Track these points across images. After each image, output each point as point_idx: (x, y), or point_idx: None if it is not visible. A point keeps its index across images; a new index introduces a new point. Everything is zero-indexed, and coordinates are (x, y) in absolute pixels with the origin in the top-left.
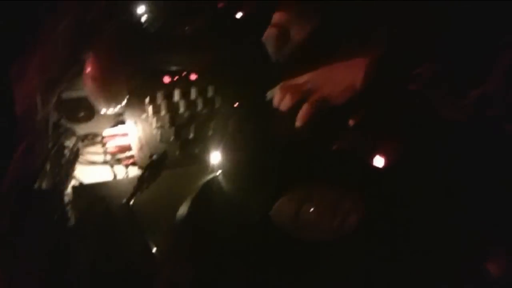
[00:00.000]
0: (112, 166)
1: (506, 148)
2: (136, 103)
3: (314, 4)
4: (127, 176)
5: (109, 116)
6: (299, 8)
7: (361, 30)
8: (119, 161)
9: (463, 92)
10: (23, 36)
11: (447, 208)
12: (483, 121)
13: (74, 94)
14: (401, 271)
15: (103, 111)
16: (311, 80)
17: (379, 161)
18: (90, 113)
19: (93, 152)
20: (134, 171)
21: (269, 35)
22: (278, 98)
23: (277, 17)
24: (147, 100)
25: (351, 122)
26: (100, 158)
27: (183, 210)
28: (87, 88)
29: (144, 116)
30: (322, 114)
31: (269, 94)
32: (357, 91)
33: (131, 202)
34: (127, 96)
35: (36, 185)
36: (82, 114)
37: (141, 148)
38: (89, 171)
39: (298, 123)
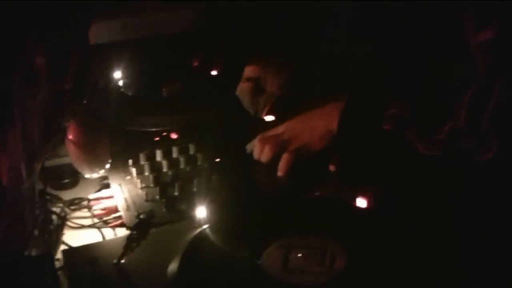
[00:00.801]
0: (99, 228)
1: (480, 176)
2: (119, 165)
3: (283, 57)
4: (116, 237)
5: (94, 180)
6: (269, 62)
7: (329, 80)
8: (106, 223)
9: (435, 128)
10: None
11: (432, 246)
12: (456, 153)
13: (58, 161)
14: None
15: (87, 176)
16: (288, 130)
17: (361, 203)
18: (75, 179)
19: (80, 217)
20: (122, 232)
21: (243, 89)
22: (258, 150)
23: (248, 71)
24: (130, 162)
25: (331, 168)
26: (88, 221)
27: (173, 266)
28: (70, 154)
29: (128, 177)
30: (302, 162)
31: (248, 147)
32: (334, 136)
33: (122, 261)
34: (110, 160)
35: (26, 253)
36: (67, 180)
37: (128, 209)
38: (78, 235)
39: (279, 173)
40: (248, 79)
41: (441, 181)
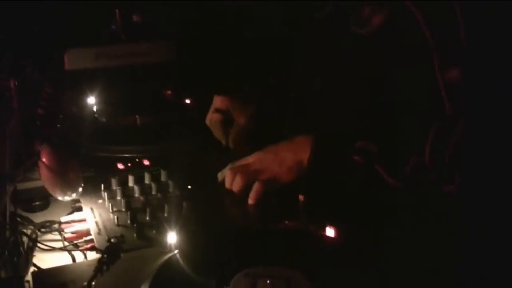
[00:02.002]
0: (70, 251)
1: (446, 207)
2: (91, 189)
3: (250, 90)
4: (86, 260)
5: (65, 203)
6: (236, 94)
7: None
8: (77, 246)
9: (401, 162)
10: None
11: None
12: (423, 186)
13: (28, 184)
14: None
15: (60, 198)
16: (258, 161)
17: (329, 232)
18: (45, 202)
19: (50, 240)
20: (93, 255)
21: (213, 120)
22: (229, 179)
23: (218, 102)
24: (102, 186)
25: (300, 199)
26: (58, 244)
27: None
28: (42, 177)
29: (100, 201)
30: (271, 193)
31: (219, 176)
32: (304, 169)
33: (92, 284)
34: (82, 184)
35: None
36: (37, 203)
37: (99, 232)
38: (48, 258)
39: (250, 201)
40: (218, 110)
41: (409, 212)
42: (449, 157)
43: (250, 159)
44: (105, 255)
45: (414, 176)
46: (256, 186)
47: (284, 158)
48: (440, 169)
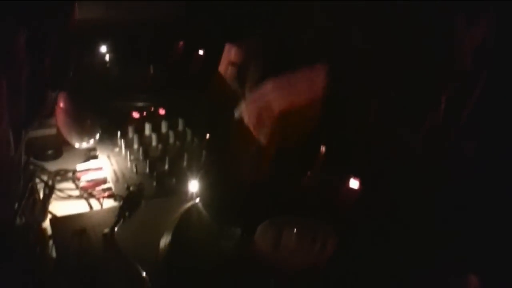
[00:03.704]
0: (87, 199)
1: (464, 163)
2: (107, 138)
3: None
4: (103, 208)
5: (78, 152)
6: (250, 43)
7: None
8: (92, 195)
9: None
10: None
11: (424, 229)
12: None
13: (41, 132)
14: None
15: (76, 145)
16: (274, 88)
17: (354, 184)
18: (58, 150)
19: (65, 188)
20: (109, 204)
21: (228, 74)
22: (245, 113)
23: (232, 55)
24: (118, 134)
25: (322, 151)
26: (73, 193)
27: (165, 239)
28: (59, 123)
29: (116, 150)
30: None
31: (236, 113)
32: (319, 98)
33: (115, 230)
34: (99, 131)
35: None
36: (50, 152)
37: (117, 180)
38: (64, 206)
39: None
40: (233, 64)
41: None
42: (467, 114)
43: (266, 88)
44: (126, 203)
45: (432, 133)
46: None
47: (300, 85)
48: (458, 125)
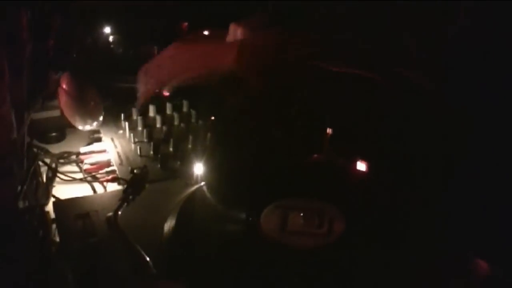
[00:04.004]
0: (90, 182)
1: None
2: (111, 120)
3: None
4: (107, 191)
5: (81, 134)
6: (253, 23)
7: None
8: (97, 177)
9: None
10: None
11: (430, 211)
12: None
13: (44, 114)
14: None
15: (80, 128)
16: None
17: (361, 166)
18: (61, 133)
19: (68, 171)
20: (113, 187)
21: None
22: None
23: (239, 36)
24: (122, 116)
25: (328, 132)
26: (76, 176)
27: (170, 223)
28: (62, 105)
29: (120, 132)
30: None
31: None
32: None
33: (119, 214)
34: (103, 113)
35: (17, 205)
36: (53, 134)
37: (121, 163)
38: (67, 189)
39: None
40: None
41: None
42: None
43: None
44: (130, 186)
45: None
46: None
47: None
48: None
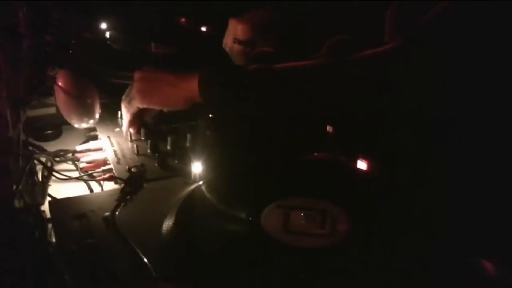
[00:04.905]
0: (86, 181)
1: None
2: (107, 117)
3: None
4: (103, 190)
5: (77, 132)
6: (255, 20)
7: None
8: (93, 176)
9: None
10: None
11: (432, 208)
12: None
13: (39, 112)
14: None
15: (76, 125)
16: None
17: (361, 165)
18: (57, 131)
19: (64, 170)
20: (110, 186)
21: (234, 50)
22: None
23: (239, 32)
24: (119, 114)
25: (329, 130)
26: (72, 174)
27: (168, 223)
28: (59, 103)
29: (117, 130)
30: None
31: None
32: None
33: (116, 214)
34: (99, 111)
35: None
36: (49, 132)
37: (118, 162)
38: (63, 188)
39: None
40: (240, 42)
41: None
42: None
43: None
44: (127, 185)
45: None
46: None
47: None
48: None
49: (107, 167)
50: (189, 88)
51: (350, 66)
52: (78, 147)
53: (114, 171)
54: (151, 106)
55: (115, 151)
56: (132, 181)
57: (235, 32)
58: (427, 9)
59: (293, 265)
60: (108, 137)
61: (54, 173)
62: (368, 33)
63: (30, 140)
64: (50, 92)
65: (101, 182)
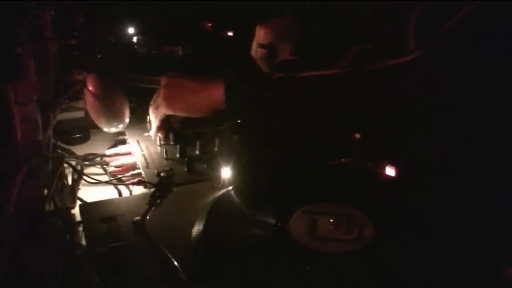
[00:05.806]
0: (115, 185)
1: None
2: (135, 122)
3: (295, 21)
4: (133, 194)
5: (105, 137)
6: (279, 25)
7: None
8: (121, 181)
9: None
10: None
11: (460, 214)
12: None
13: (67, 115)
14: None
15: (105, 130)
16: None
17: (390, 172)
18: (85, 135)
19: (93, 173)
20: (138, 190)
21: (258, 55)
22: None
23: (262, 36)
24: (148, 118)
25: (356, 137)
26: (101, 178)
27: (198, 227)
28: (88, 107)
29: (146, 134)
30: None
31: None
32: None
33: (147, 218)
34: (129, 115)
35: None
36: (77, 136)
37: (147, 166)
38: (92, 192)
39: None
40: (262, 46)
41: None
42: None
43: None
44: (157, 189)
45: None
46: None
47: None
48: None
49: (136, 171)
50: (212, 96)
51: (375, 75)
52: (107, 151)
53: (143, 175)
54: (176, 113)
55: (144, 156)
56: (162, 186)
57: (258, 36)
58: (449, 15)
59: (321, 270)
60: (138, 141)
61: (84, 177)
62: (389, 42)
63: (59, 143)
64: (78, 96)
65: (130, 186)
